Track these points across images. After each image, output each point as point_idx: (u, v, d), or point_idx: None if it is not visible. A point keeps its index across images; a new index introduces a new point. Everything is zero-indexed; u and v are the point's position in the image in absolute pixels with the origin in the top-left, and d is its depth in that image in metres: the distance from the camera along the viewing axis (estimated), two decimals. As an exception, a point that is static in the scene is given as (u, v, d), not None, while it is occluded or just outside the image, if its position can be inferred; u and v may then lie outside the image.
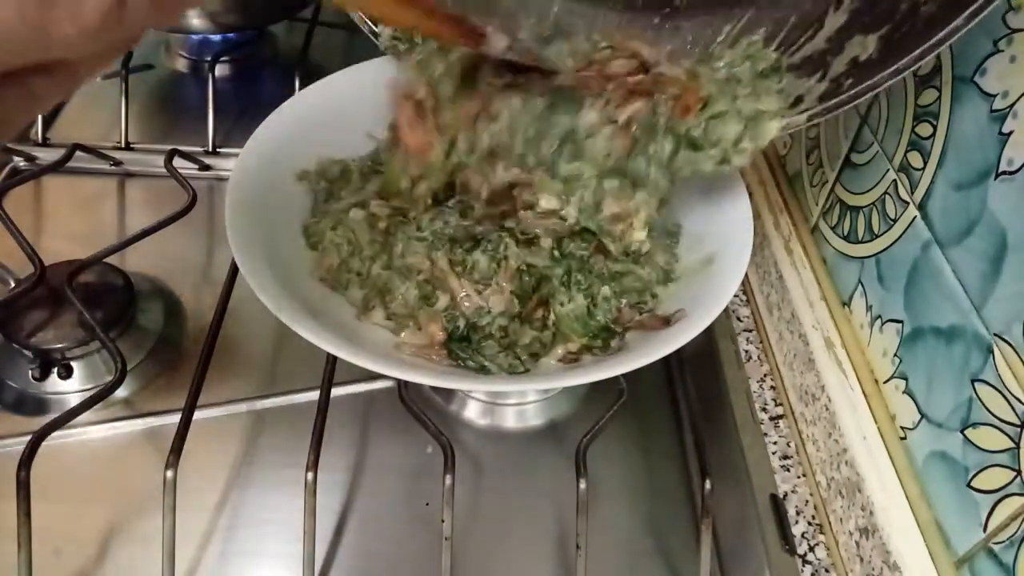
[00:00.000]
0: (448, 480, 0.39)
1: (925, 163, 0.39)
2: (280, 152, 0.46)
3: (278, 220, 0.45)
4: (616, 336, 0.43)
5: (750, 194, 0.46)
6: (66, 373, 0.48)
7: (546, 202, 0.43)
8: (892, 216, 0.42)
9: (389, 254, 0.44)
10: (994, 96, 0.34)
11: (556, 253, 0.44)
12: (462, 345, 0.42)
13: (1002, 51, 0.34)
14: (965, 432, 0.36)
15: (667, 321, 0.42)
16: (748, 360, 0.53)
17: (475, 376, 0.41)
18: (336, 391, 0.45)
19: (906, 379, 0.41)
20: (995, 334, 0.34)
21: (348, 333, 0.42)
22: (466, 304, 0.43)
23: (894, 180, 0.42)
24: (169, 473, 0.38)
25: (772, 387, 0.51)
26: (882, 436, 0.42)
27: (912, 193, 0.40)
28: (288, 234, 0.46)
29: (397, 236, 0.44)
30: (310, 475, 0.39)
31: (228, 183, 0.43)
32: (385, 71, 0.48)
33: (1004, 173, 0.34)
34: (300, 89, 0.53)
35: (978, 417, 0.35)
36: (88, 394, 0.44)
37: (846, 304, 0.47)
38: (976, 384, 0.35)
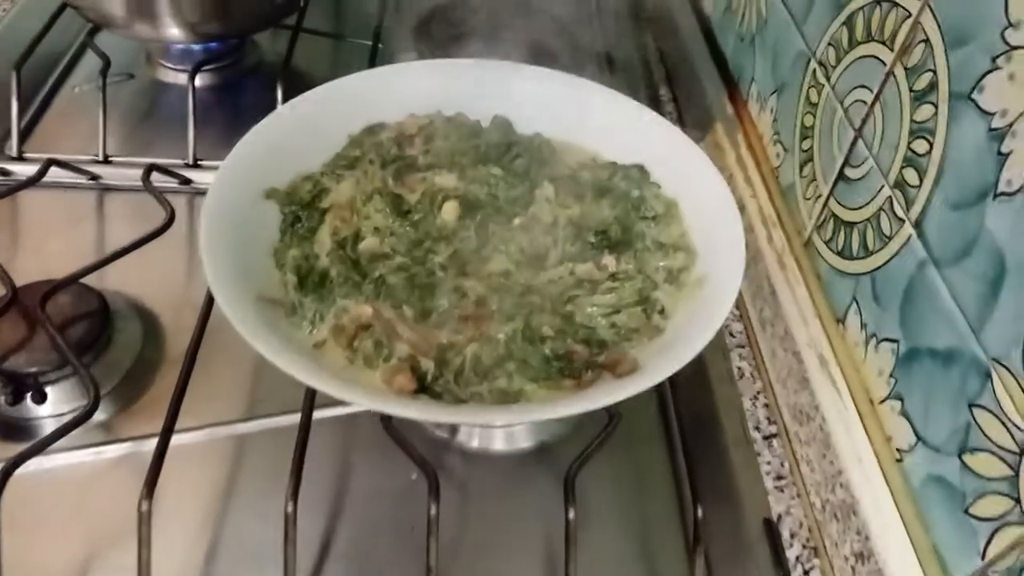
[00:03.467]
0: (433, 509, 0.38)
1: (921, 180, 0.38)
2: (256, 172, 0.45)
3: (254, 241, 0.43)
4: (579, 374, 0.40)
5: (742, 208, 0.45)
6: (40, 398, 0.46)
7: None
8: (887, 233, 0.41)
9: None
10: (992, 114, 0.33)
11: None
12: (436, 383, 0.39)
13: (1000, 68, 0.33)
14: (963, 457, 0.35)
15: (613, 370, 0.39)
16: (741, 377, 0.52)
17: (454, 408, 0.39)
18: (318, 413, 0.44)
19: (902, 400, 0.40)
20: (993, 359, 0.33)
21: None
22: (424, 348, 0.40)
23: (889, 196, 0.41)
24: (144, 505, 0.37)
25: (765, 405, 0.50)
26: (878, 458, 0.41)
27: (908, 210, 0.39)
28: (264, 256, 0.44)
29: (341, 289, 0.42)
30: (290, 506, 0.38)
31: (202, 208, 0.41)
32: (364, 86, 0.47)
33: (1003, 194, 0.33)
34: (282, 98, 0.52)
35: (976, 443, 0.34)
36: (64, 419, 0.43)
37: (840, 321, 0.46)
38: (974, 409, 0.34)
